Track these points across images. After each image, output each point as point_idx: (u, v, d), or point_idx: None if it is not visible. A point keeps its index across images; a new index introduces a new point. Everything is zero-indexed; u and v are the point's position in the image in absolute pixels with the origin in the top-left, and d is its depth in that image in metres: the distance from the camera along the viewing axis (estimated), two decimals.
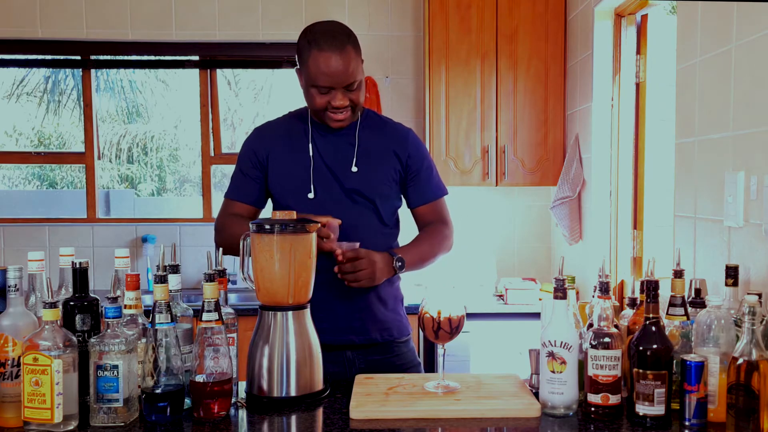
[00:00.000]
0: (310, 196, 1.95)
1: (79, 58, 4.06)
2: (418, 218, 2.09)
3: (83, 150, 4.12)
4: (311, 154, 1.97)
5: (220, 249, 1.77)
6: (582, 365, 1.54)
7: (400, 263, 1.93)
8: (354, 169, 1.96)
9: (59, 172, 7.68)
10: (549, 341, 1.51)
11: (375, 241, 1.95)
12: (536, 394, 1.58)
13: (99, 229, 4.01)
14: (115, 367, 1.44)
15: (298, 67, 1.92)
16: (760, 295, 1.45)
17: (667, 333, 1.51)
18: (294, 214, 1.70)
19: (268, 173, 2.01)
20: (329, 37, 1.85)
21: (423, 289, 3.51)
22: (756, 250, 1.81)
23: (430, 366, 3.30)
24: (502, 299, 3.51)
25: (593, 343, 1.49)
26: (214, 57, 4.07)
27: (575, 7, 3.48)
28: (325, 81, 1.84)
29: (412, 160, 2.02)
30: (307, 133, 1.99)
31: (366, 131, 2.01)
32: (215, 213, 4.00)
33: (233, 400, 1.60)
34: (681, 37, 2.29)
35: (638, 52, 3.08)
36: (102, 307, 1.52)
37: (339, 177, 1.96)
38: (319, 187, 1.95)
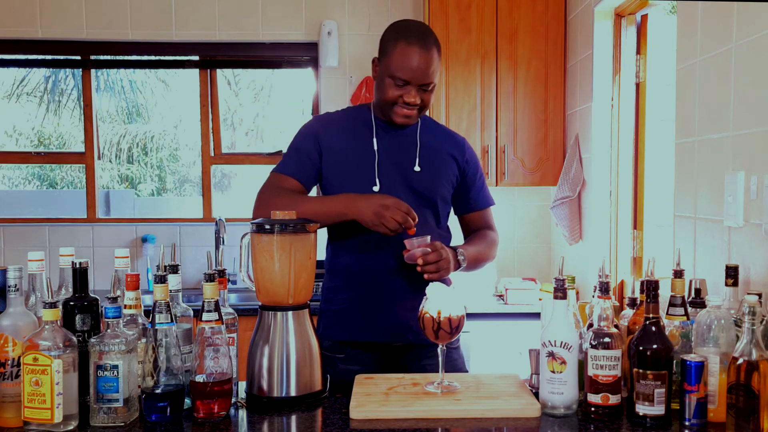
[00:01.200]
0: (375, 188, 1.94)
1: (79, 58, 4.06)
2: (467, 225, 2.15)
3: (83, 150, 4.12)
4: (376, 147, 1.97)
5: (221, 249, 1.76)
6: (582, 365, 1.54)
7: (462, 257, 1.94)
8: (417, 168, 1.97)
9: (59, 172, 7.68)
10: (549, 341, 1.51)
11: (434, 236, 1.95)
12: (536, 394, 1.58)
13: (99, 229, 4.01)
14: (115, 367, 1.44)
15: (377, 56, 1.94)
16: (760, 295, 1.45)
17: (667, 333, 1.51)
18: (294, 214, 1.70)
19: (324, 160, 1.98)
20: (419, 34, 1.89)
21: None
22: (756, 250, 1.81)
23: None
24: (502, 299, 3.51)
25: (593, 343, 1.49)
26: (214, 57, 4.07)
27: (575, 7, 3.48)
28: (405, 74, 1.86)
29: (468, 166, 2.07)
30: (371, 126, 2.00)
31: (426, 133, 2.03)
32: (215, 213, 4.05)
33: (233, 400, 1.60)
34: (681, 37, 2.29)
35: (638, 52, 3.08)
36: (102, 307, 1.52)
37: (403, 174, 1.97)
38: (384, 180, 1.96)
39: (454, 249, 1.95)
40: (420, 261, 1.81)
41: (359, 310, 1.95)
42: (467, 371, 2.08)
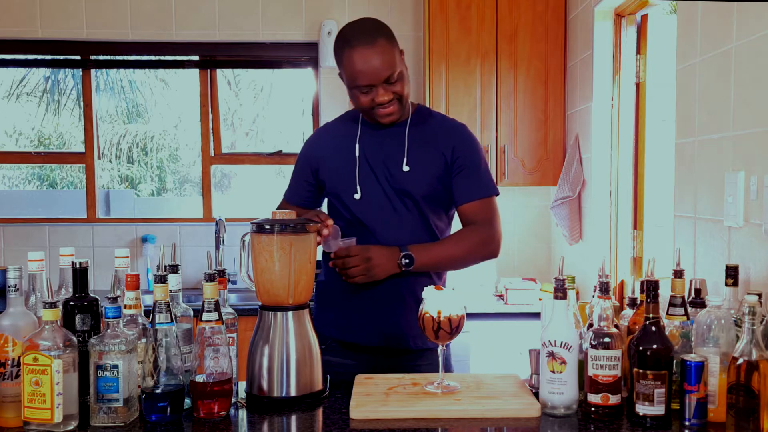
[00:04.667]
0: (356, 196, 1.94)
1: (79, 58, 4.06)
2: (463, 217, 1.99)
3: (83, 150, 4.12)
4: (357, 154, 1.96)
5: (221, 249, 1.76)
6: (582, 365, 1.54)
7: (407, 260, 1.86)
8: (405, 168, 1.93)
9: (59, 172, 7.68)
10: (549, 341, 1.51)
11: (422, 239, 1.94)
12: (536, 394, 1.58)
13: (99, 229, 4.01)
14: (115, 367, 1.44)
15: (340, 71, 1.92)
16: (760, 295, 1.45)
17: (667, 333, 1.51)
18: (294, 214, 1.70)
19: (319, 174, 2.02)
20: (359, 34, 1.85)
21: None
22: (756, 250, 1.81)
23: None
24: (502, 299, 3.51)
25: (593, 343, 1.49)
26: (214, 57, 4.07)
27: (575, 7, 3.48)
28: (363, 79, 1.83)
29: (457, 154, 1.94)
30: (356, 133, 1.99)
31: (416, 128, 1.97)
32: (215, 213, 4.05)
33: (233, 400, 1.60)
34: (681, 37, 2.29)
35: (638, 52, 3.08)
36: (102, 307, 1.52)
37: (388, 177, 1.94)
38: (365, 187, 1.94)
39: (402, 249, 1.87)
40: (330, 264, 1.85)
41: (339, 309, 1.96)
42: (452, 370, 2.06)
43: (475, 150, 1.98)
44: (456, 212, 2.02)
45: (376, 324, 1.94)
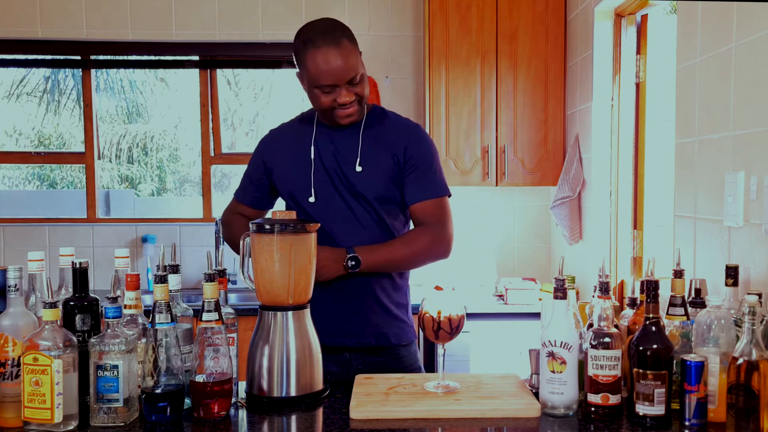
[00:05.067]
0: (311, 200, 1.93)
1: (79, 58, 4.06)
2: (414, 218, 1.97)
3: (83, 150, 4.12)
4: (312, 156, 1.95)
5: (221, 249, 1.76)
6: (582, 365, 1.54)
7: (353, 262, 1.84)
8: (358, 169, 1.92)
9: (59, 172, 7.68)
10: (549, 341, 1.51)
11: (378, 240, 1.93)
12: (536, 394, 1.58)
13: (99, 229, 4.01)
14: (115, 367, 1.44)
15: (298, 71, 1.90)
16: (760, 295, 1.45)
17: (667, 333, 1.51)
18: (294, 214, 1.70)
19: (273, 179, 2.02)
20: (323, 34, 1.82)
21: (423, 289, 3.51)
22: (756, 250, 1.81)
23: (430, 366, 3.30)
24: (502, 299, 3.51)
25: (593, 343, 1.49)
26: (214, 57, 4.07)
27: (575, 7, 3.48)
28: (327, 79, 1.81)
29: (409, 154, 1.93)
30: (311, 135, 1.97)
31: (370, 129, 1.96)
32: (215, 213, 4.04)
33: (233, 400, 1.60)
34: (681, 37, 2.29)
35: (638, 52, 3.08)
36: (102, 307, 1.52)
37: (343, 179, 1.93)
38: (320, 190, 1.94)
39: (349, 251, 1.85)
40: None
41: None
42: (420, 366, 2.04)
43: (427, 150, 1.96)
44: (410, 212, 1.99)
45: (337, 325, 1.92)
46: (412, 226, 2.02)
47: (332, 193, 1.94)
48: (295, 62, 1.90)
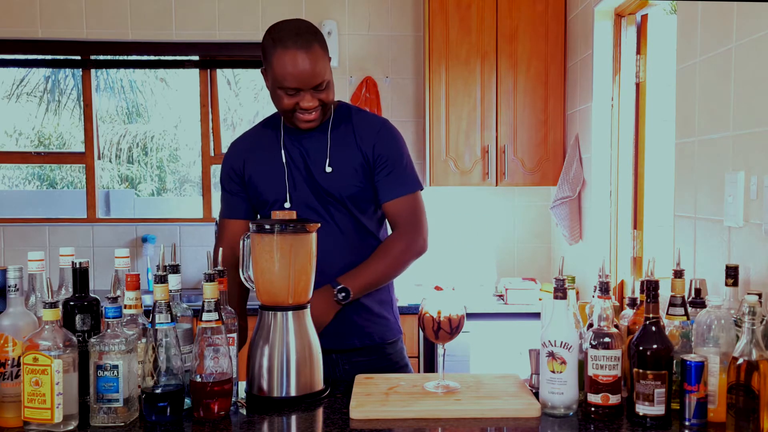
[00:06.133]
0: (287, 205, 1.90)
1: (79, 58, 4.06)
2: (387, 215, 1.96)
3: (83, 150, 4.12)
4: (284, 160, 1.92)
5: (221, 249, 1.75)
6: (582, 365, 1.54)
7: (343, 294, 1.83)
8: (328, 169, 1.89)
9: (59, 172, 7.68)
10: (549, 341, 1.51)
11: (357, 246, 1.91)
12: (536, 394, 1.58)
13: (99, 229, 4.01)
14: (115, 367, 1.44)
15: (263, 67, 1.86)
16: (760, 295, 1.45)
17: (667, 333, 1.51)
18: (294, 214, 1.70)
19: (248, 185, 1.97)
20: (294, 35, 1.78)
21: (423, 289, 3.52)
22: (756, 250, 1.81)
23: (430, 366, 3.30)
24: (502, 299, 3.51)
25: (593, 343, 1.49)
26: (214, 57, 4.07)
27: (575, 7, 3.48)
28: (292, 82, 1.77)
29: (377, 152, 1.90)
30: (279, 139, 1.94)
31: (337, 128, 1.93)
32: (215, 213, 4.04)
33: (233, 400, 1.60)
34: (681, 37, 2.29)
35: (638, 52, 3.08)
36: (102, 307, 1.52)
37: (314, 181, 1.90)
38: (294, 194, 1.91)
39: (334, 285, 1.83)
40: None
41: None
42: (407, 363, 2.03)
43: (395, 146, 1.93)
44: (383, 210, 1.97)
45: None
46: (387, 225, 2.02)
47: (306, 196, 1.91)
48: (262, 58, 1.85)
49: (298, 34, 1.78)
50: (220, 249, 1.72)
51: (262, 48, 1.84)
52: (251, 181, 1.96)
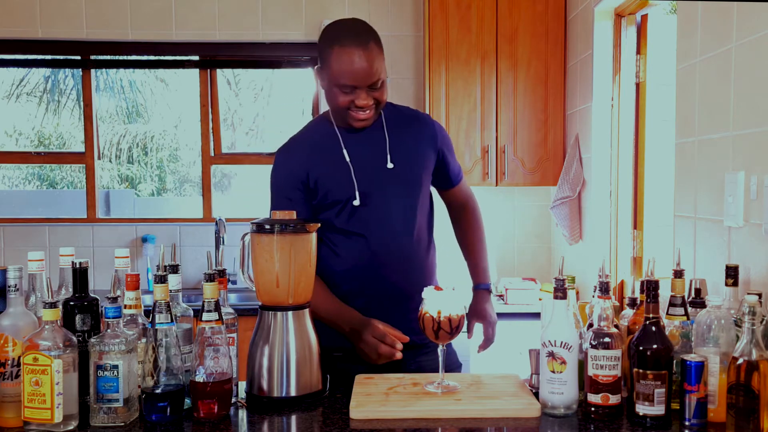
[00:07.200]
0: (355, 203, 1.89)
1: (79, 58, 4.06)
2: (450, 199, 2.14)
3: (83, 150, 4.12)
4: (348, 159, 1.92)
5: (221, 249, 1.75)
6: (582, 365, 1.54)
7: (490, 289, 2.13)
8: (390, 165, 1.92)
9: (59, 172, 7.68)
10: (549, 341, 1.51)
11: (420, 231, 1.97)
12: (536, 394, 1.58)
13: (99, 229, 4.01)
14: (115, 367, 1.44)
15: (319, 66, 1.87)
16: (760, 295, 1.45)
17: (667, 333, 1.51)
18: (294, 214, 1.70)
19: (314, 190, 1.93)
20: (352, 34, 1.81)
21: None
22: (756, 250, 1.81)
23: None
24: (502, 299, 3.51)
25: (593, 343, 1.49)
26: (214, 57, 4.07)
27: (575, 7, 3.48)
28: (349, 79, 1.79)
29: (443, 144, 2.03)
30: (337, 139, 1.94)
31: (392, 126, 1.97)
32: (215, 213, 4.04)
33: (233, 400, 1.60)
34: (681, 37, 2.29)
35: (638, 52, 3.08)
36: (102, 307, 1.52)
37: (379, 176, 1.93)
38: (363, 190, 1.91)
39: (481, 287, 2.11)
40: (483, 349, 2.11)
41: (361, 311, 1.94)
42: (460, 365, 2.08)
43: (448, 136, 2.10)
44: (442, 195, 2.14)
45: (395, 320, 1.89)
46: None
47: (374, 191, 1.92)
48: (318, 57, 1.87)
49: (356, 33, 1.82)
50: (222, 249, 1.72)
51: (319, 47, 1.86)
52: (318, 184, 1.92)
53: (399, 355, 1.73)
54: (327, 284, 1.93)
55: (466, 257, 2.19)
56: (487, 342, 2.08)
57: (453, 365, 2.05)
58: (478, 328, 2.11)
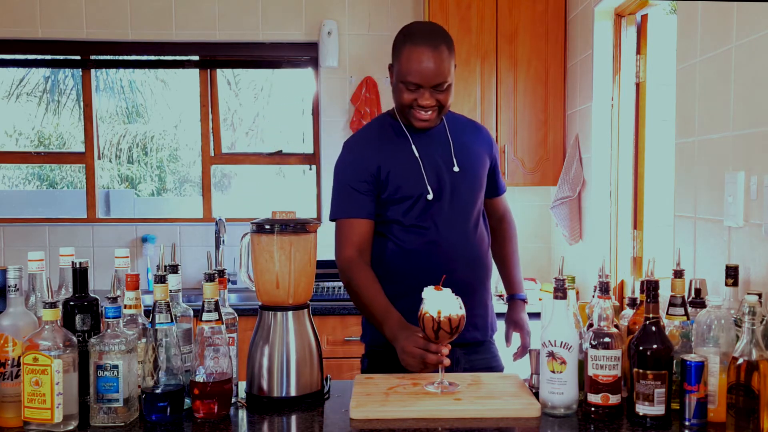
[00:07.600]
0: (429, 197, 1.92)
1: (79, 58, 4.06)
2: (492, 209, 2.16)
3: (83, 150, 4.12)
4: (417, 154, 1.95)
5: (221, 249, 1.75)
6: (582, 365, 1.54)
7: (525, 299, 2.19)
8: (456, 168, 1.96)
9: (59, 172, 7.68)
10: (549, 341, 1.51)
11: (482, 230, 2.02)
12: (536, 394, 1.58)
13: (99, 229, 4.01)
14: (115, 367, 1.44)
15: (391, 62, 1.93)
16: (760, 295, 1.45)
17: (667, 333, 1.51)
18: (294, 214, 1.70)
19: (384, 184, 1.93)
20: (425, 34, 1.87)
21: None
22: (756, 250, 1.81)
23: None
24: (502, 299, 3.50)
25: (593, 343, 1.49)
26: (214, 57, 4.07)
27: (575, 7, 3.48)
28: (415, 77, 1.84)
29: (493, 152, 2.09)
30: (406, 136, 1.97)
31: (456, 131, 2.03)
32: (215, 213, 4.05)
33: (233, 400, 1.60)
34: (681, 37, 2.29)
35: (638, 52, 3.08)
36: (102, 307, 1.52)
37: (445, 176, 1.95)
38: (433, 185, 1.94)
39: (516, 297, 2.17)
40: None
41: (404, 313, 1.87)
42: (503, 368, 2.09)
43: (497, 147, 2.16)
44: (486, 203, 2.14)
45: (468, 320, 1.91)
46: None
47: (443, 189, 1.95)
48: (391, 54, 1.93)
49: (430, 34, 1.88)
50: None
51: (394, 44, 1.92)
52: (390, 177, 1.93)
53: (447, 362, 1.65)
54: (391, 280, 1.91)
55: (501, 267, 2.22)
56: (524, 350, 2.07)
57: (497, 369, 2.07)
58: (515, 336, 2.11)
